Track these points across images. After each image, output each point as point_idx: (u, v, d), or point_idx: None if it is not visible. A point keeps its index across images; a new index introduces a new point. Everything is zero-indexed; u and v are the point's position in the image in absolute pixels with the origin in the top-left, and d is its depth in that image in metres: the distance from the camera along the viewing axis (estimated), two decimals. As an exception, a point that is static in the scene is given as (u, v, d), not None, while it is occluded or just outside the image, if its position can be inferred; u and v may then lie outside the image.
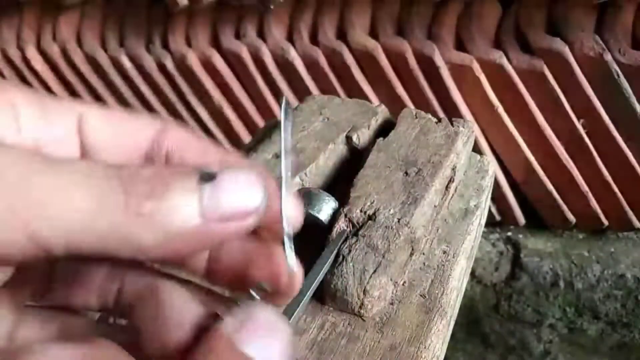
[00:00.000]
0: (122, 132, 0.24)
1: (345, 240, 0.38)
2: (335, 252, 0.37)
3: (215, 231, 0.20)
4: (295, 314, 0.32)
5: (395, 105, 0.81)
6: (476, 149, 0.78)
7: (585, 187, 0.83)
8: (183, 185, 0.19)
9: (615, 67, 0.70)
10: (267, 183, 0.21)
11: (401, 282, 0.38)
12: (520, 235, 0.96)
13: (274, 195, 0.22)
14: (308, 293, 0.34)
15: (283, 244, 0.23)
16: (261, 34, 0.86)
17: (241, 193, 0.20)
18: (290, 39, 0.85)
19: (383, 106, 0.52)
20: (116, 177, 0.19)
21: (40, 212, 0.17)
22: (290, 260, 0.23)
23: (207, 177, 0.20)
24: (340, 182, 0.46)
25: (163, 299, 0.22)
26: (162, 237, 0.19)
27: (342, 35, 0.82)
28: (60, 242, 0.18)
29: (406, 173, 0.42)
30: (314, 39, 0.84)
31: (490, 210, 0.92)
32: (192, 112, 0.99)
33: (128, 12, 0.94)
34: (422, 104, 0.81)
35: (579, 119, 0.77)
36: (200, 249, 0.22)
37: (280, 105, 0.23)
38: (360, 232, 0.38)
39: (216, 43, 0.89)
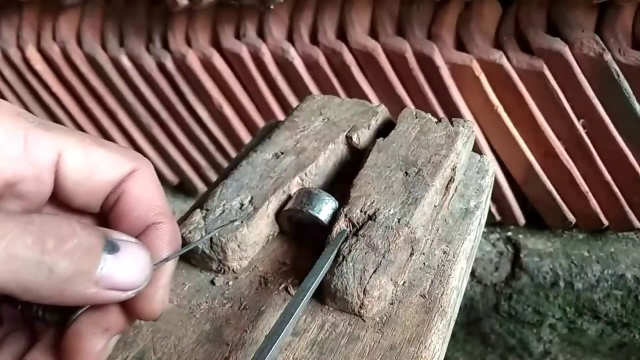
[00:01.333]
0: (95, 170, 0.27)
1: (346, 240, 0.38)
2: (335, 252, 0.37)
3: (100, 295, 0.23)
4: (295, 313, 0.32)
5: (395, 105, 0.81)
6: (476, 148, 0.78)
7: (585, 187, 0.83)
8: (90, 251, 0.23)
9: (615, 67, 0.70)
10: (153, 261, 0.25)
11: (401, 282, 0.38)
12: (520, 235, 0.96)
13: (157, 276, 0.26)
14: (308, 293, 0.34)
15: None
16: (261, 34, 0.86)
17: (130, 273, 0.24)
18: (290, 38, 0.85)
19: (383, 106, 0.52)
20: (34, 234, 0.21)
21: None
22: None
23: (111, 248, 0.23)
24: (340, 182, 0.45)
25: None
26: (58, 293, 0.22)
27: (342, 35, 0.82)
28: None
29: (406, 173, 0.42)
30: (314, 39, 0.84)
31: (490, 210, 0.92)
32: (192, 112, 0.99)
33: (128, 11, 0.94)
34: (422, 103, 0.81)
35: (578, 119, 0.77)
36: (85, 304, 0.25)
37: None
38: (360, 232, 0.38)
39: (216, 43, 0.89)
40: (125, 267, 0.24)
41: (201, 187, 1.13)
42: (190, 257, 0.40)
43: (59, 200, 0.27)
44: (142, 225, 0.27)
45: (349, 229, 0.38)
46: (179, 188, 1.18)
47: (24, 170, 0.25)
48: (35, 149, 0.25)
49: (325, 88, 0.86)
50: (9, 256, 0.20)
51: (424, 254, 0.40)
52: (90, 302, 0.24)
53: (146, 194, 0.27)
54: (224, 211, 0.40)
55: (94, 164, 0.27)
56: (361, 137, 0.48)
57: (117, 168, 0.27)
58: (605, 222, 0.87)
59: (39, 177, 0.26)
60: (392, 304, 0.37)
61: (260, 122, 0.95)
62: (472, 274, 0.97)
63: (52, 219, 0.22)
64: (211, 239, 0.38)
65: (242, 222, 0.39)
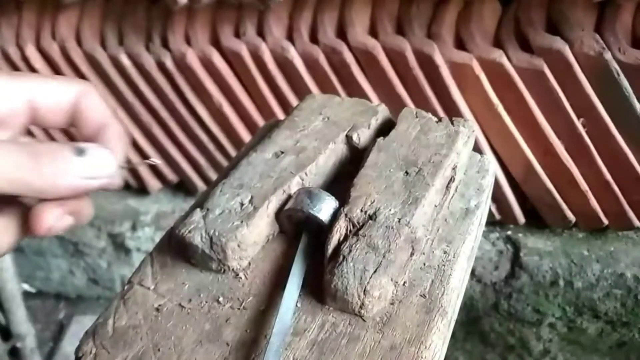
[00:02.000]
0: (57, 95, 0.37)
1: (345, 240, 0.38)
2: (304, 245, 0.38)
3: (85, 184, 0.33)
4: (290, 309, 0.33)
5: (395, 104, 0.81)
6: (476, 147, 0.78)
7: (584, 186, 0.83)
8: (64, 157, 0.33)
9: (615, 65, 0.70)
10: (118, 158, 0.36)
11: (401, 282, 0.37)
12: (520, 234, 0.96)
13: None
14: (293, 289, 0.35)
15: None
16: (261, 33, 0.86)
17: (98, 167, 0.34)
18: (290, 37, 0.85)
19: (383, 105, 0.52)
20: (24, 150, 0.32)
21: None
22: None
23: (78, 152, 0.33)
24: (340, 182, 0.45)
25: None
26: (50, 187, 0.32)
27: (342, 34, 0.82)
28: None
29: (406, 173, 0.42)
30: (314, 38, 0.84)
31: (490, 210, 0.92)
32: (191, 111, 0.99)
33: (127, 10, 0.94)
34: (422, 103, 0.81)
35: (578, 118, 0.77)
36: (72, 195, 0.34)
37: None
38: (360, 232, 0.38)
39: (216, 42, 0.89)
40: (95, 161, 0.34)
41: (201, 186, 1.13)
42: (190, 257, 0.40)
43: (37, 124, 0.38)
44: (98, 126, 0.37)
45: (345, 231, 0.38)
46: (179, 187, 1.18)
47: (4, 110, 0.36)
48: (10, 91, 0.36)
49: (325, 87, 0.86)
50: (17, 166, 0.31)
51: (424, 253, 0.40)
52: (79, 191, 0.34)
53: (96, 105, 0.38)
54: (223, 211, 0.40)
55: (55, 90, 0.37)
56: (361, 137, 0.48)
57: (71, 91, 0.37)
58: (605, 221, 0.87)
59: (16, 113, 0.36)
60: (392, 304, 0.37)
61: (260, 121, 0.95)
62: (472, 272, 0.97)
63: (32, 143, 0.33)
64: (211, 238, 0.38)
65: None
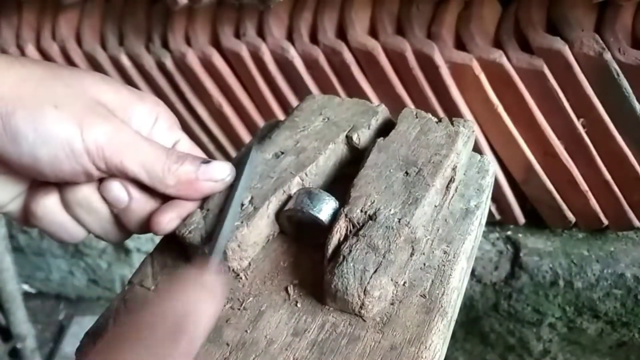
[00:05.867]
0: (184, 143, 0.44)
1: (345, 240, 0.38)
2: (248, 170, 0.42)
3: (201, 185, 0.40)
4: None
5: (395, 104, 0.81)
6: (476, 148, 0.78)
7: (584, 187, 0.83)
8: (192, 162, 0.40)
9: (615, 66, 0.70)
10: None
11: (402, 282, 0.38)
12: (520, 235, 0.96)
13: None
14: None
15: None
16: (261, 33, 0.86)
17: (218, 171, 0.41)
18: (290, 38, 0.85)
19: (383, 106, 0.52)
20: (164, 150, 0.40)
21: (131, 155, 0.38)
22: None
23: (205, 162, 0.40)
24: (340, 182, 0.45)
25: None
26: (176, 182, 0.39)
27: (342, 34, 0.82)
28: (133, 170, 0.38)
29: (406, 173, 0.42)
30: (314, 38, 0.84)
31: (490, 210, 0.92)
32: (191, 111, 0.99)
33: (127, 11, 0.94)
34: (422, 103, 0.81)
35: (578, 118, 0.77)
36: (194, 194, 0.40)
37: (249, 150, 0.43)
38: (360, 232, 0.38)
39: (216, 42, 0.89)
40: (215, 169, 0.40)
41: (201, 186, 1.13)
42: (190, 257, 0.40)
43: None
44: (173, 142, 0.43)
45: (346, 228, 0.38)
46: (179, 187, 1.18)
47: (161, 140, 0.42)
48: (173, 131, 0.45)
49: (325, 87, 0.86)
50: (155, 158, 0.39)
51: (424, 254, 0.40)
52: (197, 190, 0.40)
53: (169, 119, 0.45)
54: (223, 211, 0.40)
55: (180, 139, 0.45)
56: (361, 137, 0.48)
57: (154, 112, 0.44)
58: (605, 222, 0.87)
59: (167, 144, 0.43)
60: (392, 304, 0.37)
61: (260, 122, 0.95)
62: (472, 273, 0.97)
63: (171, 148, 0.41)
64: (211, 238, 0.38)
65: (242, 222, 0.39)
